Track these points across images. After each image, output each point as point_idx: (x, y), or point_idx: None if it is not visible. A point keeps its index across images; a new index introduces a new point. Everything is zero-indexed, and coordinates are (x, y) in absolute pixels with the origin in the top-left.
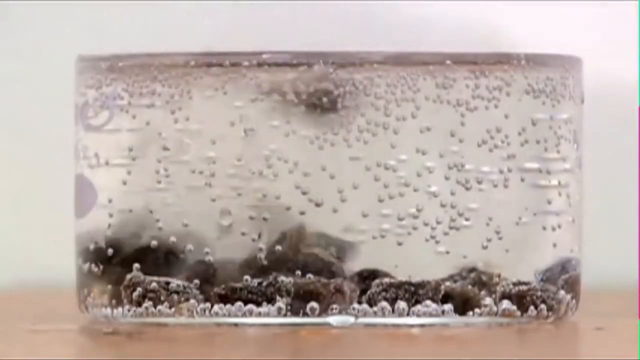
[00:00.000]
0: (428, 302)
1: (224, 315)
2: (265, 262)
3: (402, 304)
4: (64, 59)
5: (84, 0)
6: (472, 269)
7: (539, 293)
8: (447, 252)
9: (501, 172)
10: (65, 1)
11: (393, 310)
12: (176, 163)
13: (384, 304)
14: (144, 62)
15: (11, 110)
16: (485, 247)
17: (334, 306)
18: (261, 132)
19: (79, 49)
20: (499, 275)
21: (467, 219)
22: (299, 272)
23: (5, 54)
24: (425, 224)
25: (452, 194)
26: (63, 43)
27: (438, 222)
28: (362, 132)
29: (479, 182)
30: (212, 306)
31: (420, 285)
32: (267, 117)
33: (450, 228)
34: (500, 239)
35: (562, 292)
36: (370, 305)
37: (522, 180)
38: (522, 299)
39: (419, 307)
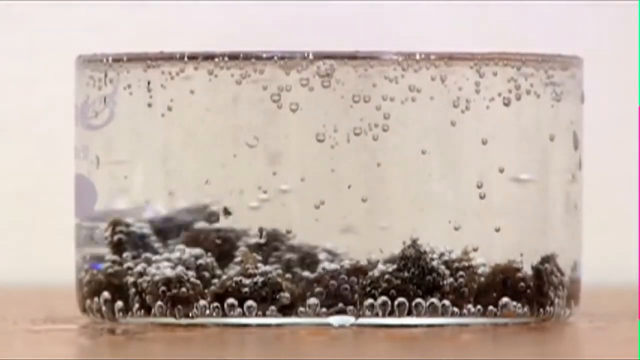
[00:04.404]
0: (429, 298)
1: (224, 315)
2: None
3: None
4: (64, 59)
5: (84, 0)
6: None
7: (539, 292)
8: (450, 252)
9: (501, 170)
10: (65, 1)
11: (393, 309)
12: (176, 163)
13: (386, 301)
14: (144, 62)
15: (11, 110)
16: (484, 247)
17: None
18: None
19: (79, 49)
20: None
21: (467, 219)
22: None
23: (5, 54)
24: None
25: (451, 193)
26: (63, 43)
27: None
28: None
29: (479, 181)
30: (210, 305)
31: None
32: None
33: (451, 227)
34: (499, 238)
35: (561, 292)
36: (371, 305)
37: (521, 180)
38: (522, 298)
39: (419, 300)
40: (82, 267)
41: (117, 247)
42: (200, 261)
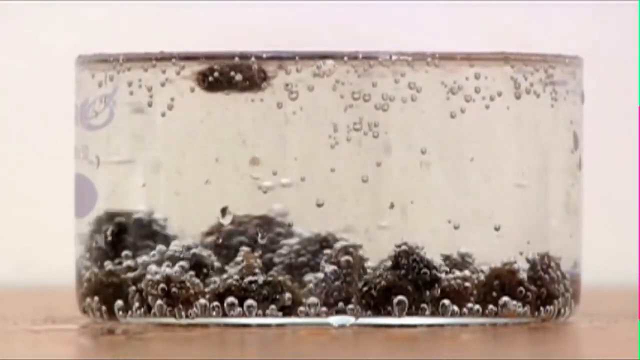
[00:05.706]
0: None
1: (224, 315)
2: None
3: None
4: (64, 59)
5: (84, 0)
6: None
7: (539, 292)
8: (450, 254)
9: (500, 170)
10: (65, 1)
11: (393, 309)
12: (176, 163)
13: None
14: (144, 62)
15: (11, 110)
16: (483, 246)
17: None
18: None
19: (79, 49)
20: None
21: (466, 218)
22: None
23: (5, 54)
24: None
25: (451, 192)
26: (63, 43)
27: (436, 220)
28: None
29: (478, 180)
30: (210, 305)
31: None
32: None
33: (451, 227)
34: (499, 238)
35: (561, 292)
36: (370, 305)
37: (521, 179)
38: (522, 298)
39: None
40: (82, 267)
41: (117, 247)
42: (194, 251)
